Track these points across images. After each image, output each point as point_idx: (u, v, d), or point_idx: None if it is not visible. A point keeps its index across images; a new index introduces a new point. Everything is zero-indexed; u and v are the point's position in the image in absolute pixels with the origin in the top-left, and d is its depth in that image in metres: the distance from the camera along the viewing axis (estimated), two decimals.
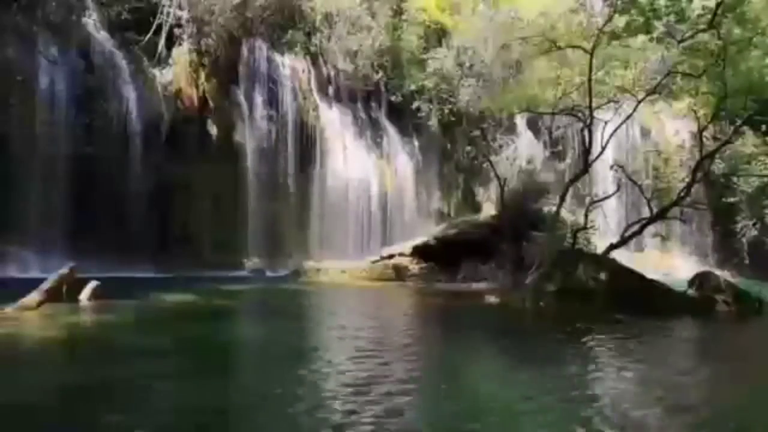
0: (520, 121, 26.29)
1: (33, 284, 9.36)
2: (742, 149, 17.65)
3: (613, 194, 17.23)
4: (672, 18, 13.25)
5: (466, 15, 24.83)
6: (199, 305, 11.11)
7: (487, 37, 22.83)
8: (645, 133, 27.25)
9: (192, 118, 18.83)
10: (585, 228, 15.46)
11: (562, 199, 15.68)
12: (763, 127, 18.27)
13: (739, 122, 14.59)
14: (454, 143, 25.41)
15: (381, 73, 23.47)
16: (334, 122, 22.66)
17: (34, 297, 9.04)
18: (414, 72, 23.95)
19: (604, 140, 15.35)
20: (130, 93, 17.50)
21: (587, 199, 17.57)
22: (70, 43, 16.72)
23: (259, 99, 20.78)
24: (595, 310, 10.77)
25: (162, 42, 18.63)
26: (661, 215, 15.04)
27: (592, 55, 13.61)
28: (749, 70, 13.08)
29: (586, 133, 15.46)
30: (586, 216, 15.51)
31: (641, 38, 14.86)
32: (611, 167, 17.85)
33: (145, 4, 18.37)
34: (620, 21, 13.95)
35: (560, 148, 26.60)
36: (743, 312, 11.40)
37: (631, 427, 4.49)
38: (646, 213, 15.96)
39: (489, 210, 23.62)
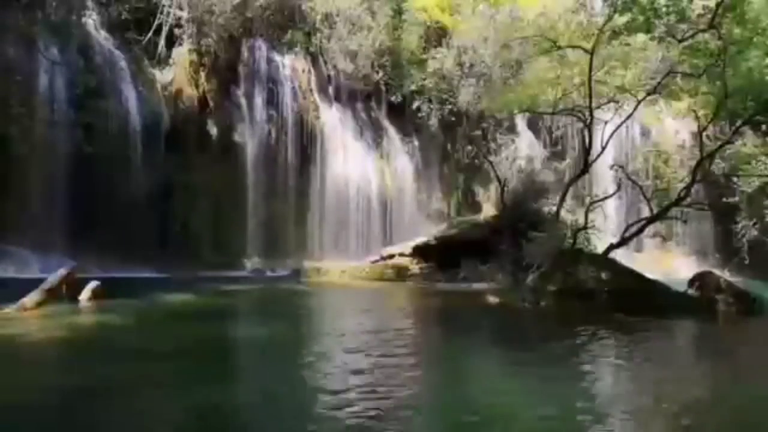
0: (520, 121, 26.28)
1: (33, 284, 9.36)
2: (742, 149, 17.61)
3: (613, 194, 17.23)
4: (672, 18, 13.21)
5: (466, 15, 24.79)
6: (199, 305, 11.11)
7: (487, 37, 22.85)
8: (645, 133, 27.23)
9: (192, 118, 18.82)
10: (585, 228, 15.43)
11: (562, 199, 15.69)
12: (763, 127, 18.24)
13: (739, 122, 14.56)
14: (454, 143, 25.39)
15: (381, 73, 23.44)
16: (334, 122, 22.63)
17: (34, 297, 9.04)
18: (414, 72, 23.92)
19: (604, 140, 15.37)
20: (130, 93, 17.48)
21: (587, 199, 17.55)
22: (70, 43, 16.71)
23: (259, 99, 20.76)
24: (595, 310, 10.77)
25: (162, 42, 18.64)
26: (661, 215, 15.04)
27: (592, 54, 13.61)
28: (749, 70, 13.05)
29: (586, 133, 15.48)
30: (586, 216, 15.49)
31: (641, 38, 14.83)
32: (611, 167, 17.85)
33: (145, 4, 18.39)
34: (620, 20, 13.92)
35: (560, 148, 26.60)
36: (743, 312, 11.39)
37: (630, 426, 4.49)
38: (646, 213, 15.96)
39: (489, 210, 23.61)
